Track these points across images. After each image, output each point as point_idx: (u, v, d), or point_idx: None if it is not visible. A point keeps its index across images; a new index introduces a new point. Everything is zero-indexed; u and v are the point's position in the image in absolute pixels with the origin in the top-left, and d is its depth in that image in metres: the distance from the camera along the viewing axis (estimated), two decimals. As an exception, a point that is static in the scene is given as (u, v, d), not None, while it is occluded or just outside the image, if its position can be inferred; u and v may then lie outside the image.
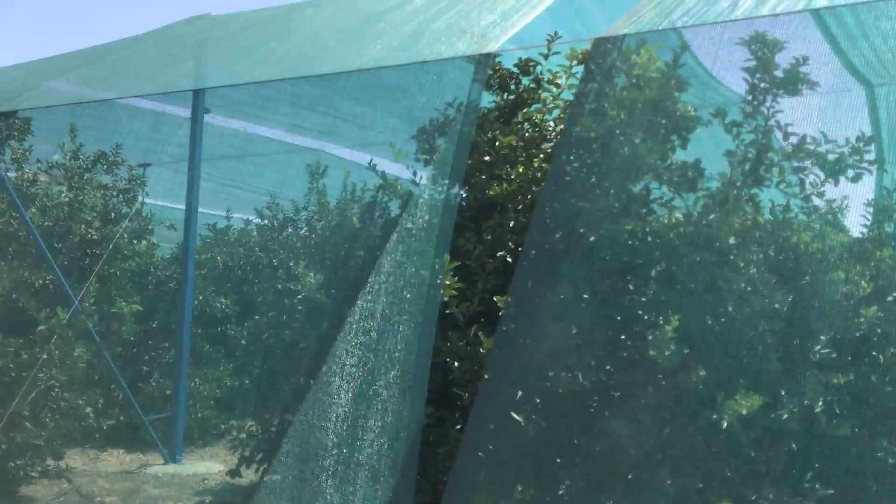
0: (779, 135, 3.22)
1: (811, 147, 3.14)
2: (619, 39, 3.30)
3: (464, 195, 4.13)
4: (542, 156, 4.02)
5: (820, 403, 2.84)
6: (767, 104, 3.23)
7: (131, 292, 5.89)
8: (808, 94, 3.18)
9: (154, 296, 6.06)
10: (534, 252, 3.28)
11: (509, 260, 3.74)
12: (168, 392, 5.43)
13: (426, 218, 3.55)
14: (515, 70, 4.28)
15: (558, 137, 3.94)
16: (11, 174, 6.14)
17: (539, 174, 3.91)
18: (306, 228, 6.61)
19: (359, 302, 3.29)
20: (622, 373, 2.99)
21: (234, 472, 4.46)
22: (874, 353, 2.85)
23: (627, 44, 3.30)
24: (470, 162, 3.88)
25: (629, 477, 2.88)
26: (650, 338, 2.88)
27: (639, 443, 2.85)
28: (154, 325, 5.66)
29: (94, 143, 6.59)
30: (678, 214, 3.22)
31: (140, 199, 6.68)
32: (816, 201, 3.11)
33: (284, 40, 5.04)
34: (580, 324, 3.06)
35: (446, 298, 3.55)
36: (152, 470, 5.28)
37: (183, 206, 5.95)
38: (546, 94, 4.26)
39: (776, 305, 2.88)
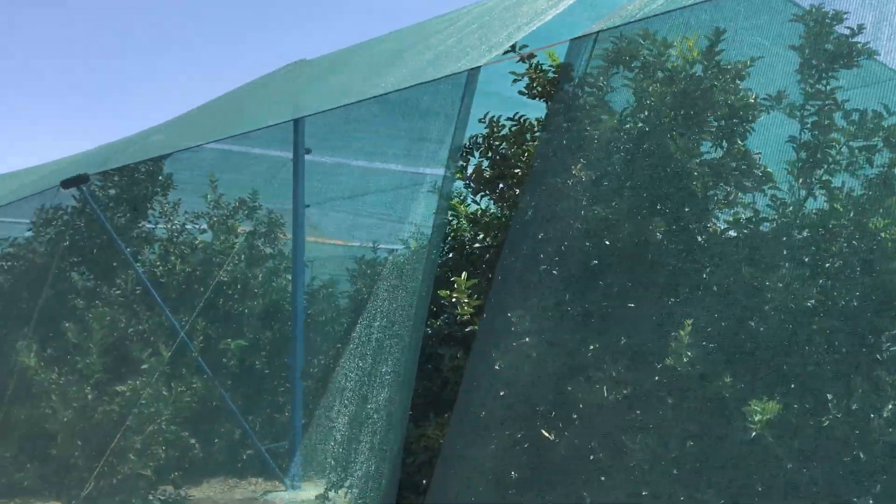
0: (839, 115, 2.84)
1: (875, 123, 2.75)
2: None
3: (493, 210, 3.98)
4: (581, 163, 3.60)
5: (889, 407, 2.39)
6: (823, 81, 2.87)
7: (259, 329, 6.17)
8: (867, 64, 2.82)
9: (283, 330, 6.31)
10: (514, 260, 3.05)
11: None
12: (281, 420, 5.60)
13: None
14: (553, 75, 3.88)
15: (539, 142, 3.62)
16: (161, 226, 6.80)
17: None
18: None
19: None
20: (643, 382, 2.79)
21: (322, 497, 4.52)
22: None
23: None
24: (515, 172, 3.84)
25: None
26: (672, 344, 2.64)
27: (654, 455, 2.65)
28: (266, 357, 5.90)
29: (235, 191, 7.12)
30: (743, 211, 2.92)
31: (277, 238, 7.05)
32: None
33: (357, 71, 5.22)
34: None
35: (466, 317, 3.39)
36: (272, 496, 5.45)
37: (326, 242, 6.25)
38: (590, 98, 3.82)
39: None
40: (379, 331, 3.95)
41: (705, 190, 2.94)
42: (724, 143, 3.00)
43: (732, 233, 2.90)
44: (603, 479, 2.86)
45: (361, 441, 4.32)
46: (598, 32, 3.15)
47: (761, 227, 2.85)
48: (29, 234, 6.48)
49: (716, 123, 3.02)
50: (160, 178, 6.78)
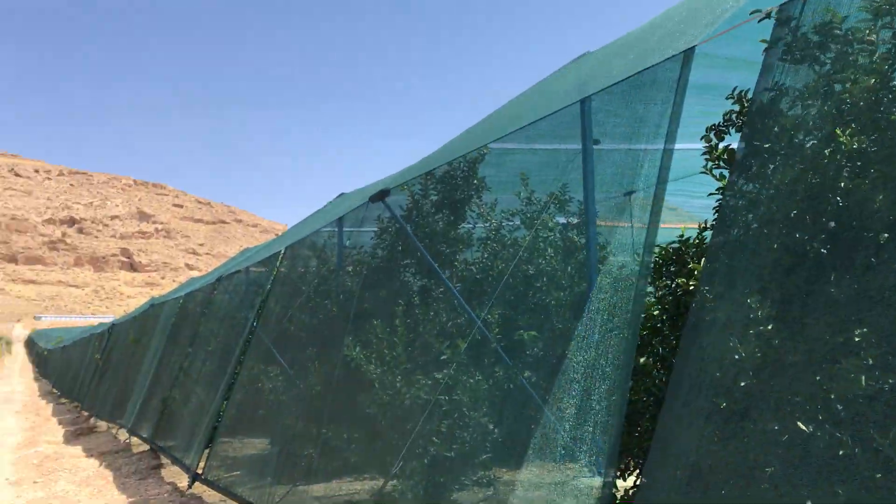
0: None
1: None
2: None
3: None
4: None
5: None
6: None
7: (567, 319, 6.28)
8: None
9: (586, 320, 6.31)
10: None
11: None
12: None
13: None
14: (817, 38, 3.32)
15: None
16: (479, 226, 7.29)
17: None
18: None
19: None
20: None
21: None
22: None
23: None
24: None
25: None
26: None
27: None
28: (569, 347, 5.91)
29: (545, 187, 7.32)
30: None
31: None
32: None
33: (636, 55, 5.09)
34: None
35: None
36: (577, 482, 5.49)
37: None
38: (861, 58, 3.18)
39: None
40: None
41: None
42: None
43: None
44: (858, 476, 2.44)
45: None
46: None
47: None
48: (371, 241, 7.49)
49: None
50: (474, 181, 7.28)
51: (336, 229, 7.94)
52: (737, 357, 2.92)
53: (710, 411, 2.90)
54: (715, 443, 2.92)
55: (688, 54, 3.67)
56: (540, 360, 5.92)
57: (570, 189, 7.19)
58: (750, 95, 3.62)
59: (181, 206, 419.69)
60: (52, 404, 31.42)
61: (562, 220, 7.32)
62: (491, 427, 5.36)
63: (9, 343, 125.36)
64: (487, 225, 7.30)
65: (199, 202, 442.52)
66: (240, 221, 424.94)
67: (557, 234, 7.13)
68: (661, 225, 3.85)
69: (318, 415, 6.49)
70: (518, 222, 7.44)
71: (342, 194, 9.61)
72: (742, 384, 2.85)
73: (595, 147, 5.97)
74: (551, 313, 6.38)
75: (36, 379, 58.14)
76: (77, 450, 15.74)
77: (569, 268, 6.88)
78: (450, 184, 7.34)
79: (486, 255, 6.91)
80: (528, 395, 5.60)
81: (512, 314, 6.14)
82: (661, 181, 3.69)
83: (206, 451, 9.54)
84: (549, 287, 6.58)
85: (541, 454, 5.81)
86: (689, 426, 2.96)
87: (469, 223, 7.29)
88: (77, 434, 19.15)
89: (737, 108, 3.63)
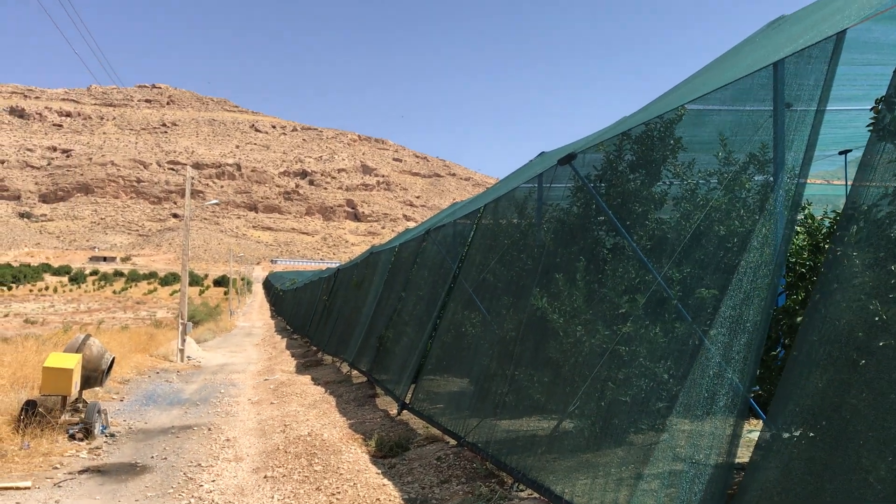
0: None
1: None
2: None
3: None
4: None
5: None
6: None
7: (753, 279, 6.44)
8: None
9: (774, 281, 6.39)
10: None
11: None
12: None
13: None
14: None
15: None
16: (676, 185, 7.48)
17: None
18: None
19: None
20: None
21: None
22: None
23: None
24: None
25: None
26: None
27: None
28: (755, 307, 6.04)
29: (744, 147, 7.33)
30: None
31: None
32: None
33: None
34: None
35: None
36: (754, 435, 5.76)
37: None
38: None
39: None
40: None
41: None
42: None
43: None
44: None
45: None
46: None
47: None
48: (567, 198, 7.93)
49: None
50: (671, 141, 7.46)
51: (535, 185, 8.44)
52: (877, 319, 3.08)
53: (841, 362, 3.09)
54: (842, 390, 3.09)
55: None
56: (722, 318, 6.12)
57: (771, 149, 7.16)
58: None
59: (400, 161, 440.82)
60: (285, 339, 35.31)
61: (759, 178, 7.31)
62: (666, 377, 5.71)
63: (249, 283, 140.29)
64: (683, 184, 7.46)
65: (417, 156, 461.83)
66: (453, 175, 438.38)
67: (755, 195, 7.16)
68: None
69: (510, 357, 7.15)
70: (715, 182, 7.52)
71: (542, 153, 10.09)
72: (881, 343, 3.01)
73: (802, 109, 5.96)
74: (740, 273, 6.51)
75: (272, 316, 64.95)
76: (306, 378, 17.88)
77: (763, 228, 6.91)
78: (646, 144, 7.57)
79: (678, 215, 7.11)
80: (706, 351, 5.86)
81: (698, 272, 6.36)
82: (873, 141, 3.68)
83: (413, 385, 10.67)
84: (739, 247, 6.69)
85: (717, 407, 6.07)
86: (814, 374, 3.17)
87: (664, 183, 7.48)
88: (306, 365, 21.60)
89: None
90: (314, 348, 26.64)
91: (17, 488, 7.65)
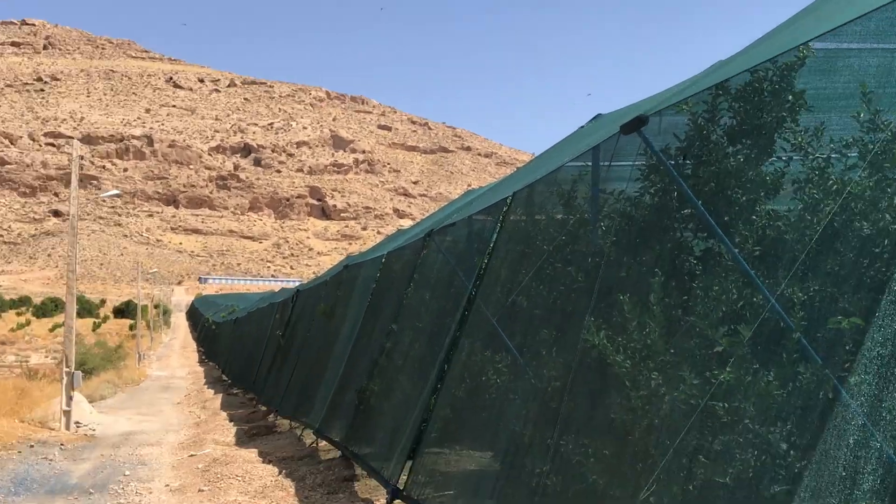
0: None
1: None
2: None
3: None
4: None
5: None
6: None
7: None
8: None
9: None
10: None
11: None
12: None
13: None
14: None
15: None
16: (796, 161, 7.46)
17: None
18: None
19: None
20: None
21: None
22: None
23: None
24: None
25: None
26: None
27: None
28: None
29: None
30: None
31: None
32: None
33: None
34: None
35: None
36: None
37: None
38: None
39: None
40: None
41: None
42: None
43: None
44: None
45: None
46: None
47: None
48: (636, 183, 7.91)
49: None
50: (789, 97, 7.43)
51: (588, 164, 8.40)
52: None
53: None
54: None
55: None
56: (868, 360, 6.12)
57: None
58: None
59: (389, 129, 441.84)
60: (220, 394, 35.45)
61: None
62: (784, 447, 5.72)
63: (167, 312, 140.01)
64: (807, 161, 7.42)
65: (414, 122, 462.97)
66: (468, 149, 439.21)
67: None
68: None
69: (553, 420, 7.17)
70: (855, 156, 7.49)
71: (598, 116, 10.11)
72: None
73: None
74: (895, 292, 6.51)
75: (201, 361, 65.19)
76: (252, 453, 17.93)
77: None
78: (751, 101, 7.56)
79: (800, 206, 7.10)
80: (844, 408, 5.87)
81: (831, 291, 6.36)
82: None
83: (409, 461, 10.69)
84: (892, 253, 6.69)
85: (860, 491, 6.06)
86: None
87: (779, 158, 7.46)
88: (252, 434, 21.66)
89: None
90: (263, 408, 26.71)
91: None
